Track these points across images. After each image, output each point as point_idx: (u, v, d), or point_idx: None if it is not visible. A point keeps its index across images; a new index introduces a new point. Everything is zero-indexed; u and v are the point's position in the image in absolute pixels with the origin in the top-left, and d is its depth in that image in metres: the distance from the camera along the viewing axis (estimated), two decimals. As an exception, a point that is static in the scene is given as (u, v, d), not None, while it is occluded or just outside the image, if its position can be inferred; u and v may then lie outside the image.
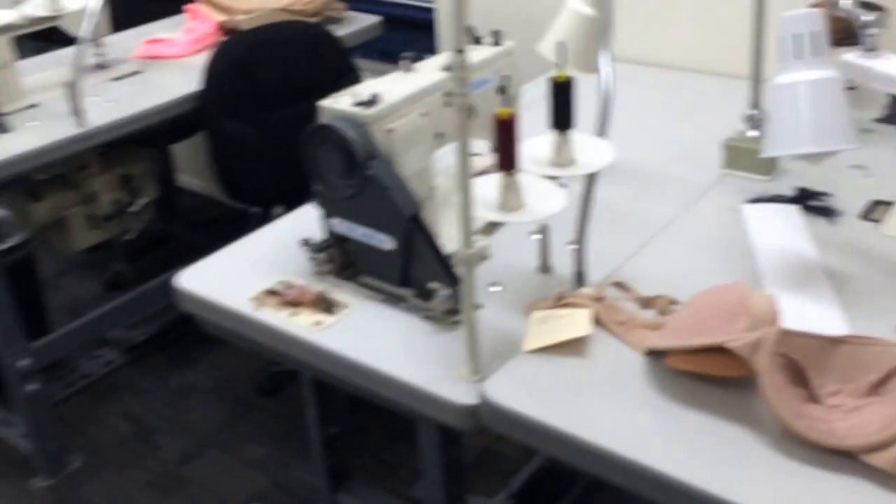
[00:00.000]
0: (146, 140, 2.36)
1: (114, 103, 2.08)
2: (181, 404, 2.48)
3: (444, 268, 1.18)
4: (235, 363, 2.62)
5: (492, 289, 1.25)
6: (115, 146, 2.13)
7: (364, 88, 1.24)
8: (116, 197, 2.18)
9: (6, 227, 2.35)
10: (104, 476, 2.23)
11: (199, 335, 2.68)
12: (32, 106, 2.04)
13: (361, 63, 2.47)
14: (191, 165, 3.54)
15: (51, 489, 2.20)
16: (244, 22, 2.38)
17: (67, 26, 2.14)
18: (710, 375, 0.99)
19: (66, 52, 2.32)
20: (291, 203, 2.10)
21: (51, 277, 2.98)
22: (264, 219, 2.47)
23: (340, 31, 2.45)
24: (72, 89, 1.93)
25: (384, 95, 1.22)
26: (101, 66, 2.29)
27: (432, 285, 1.19)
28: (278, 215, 1.58)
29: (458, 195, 0.98)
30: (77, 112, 1.93)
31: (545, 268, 1.28)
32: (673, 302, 1.15)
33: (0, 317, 2.00)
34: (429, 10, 2.60)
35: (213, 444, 2.33)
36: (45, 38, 2.29)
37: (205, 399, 2.50)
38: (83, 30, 1.92)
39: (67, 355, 2.58)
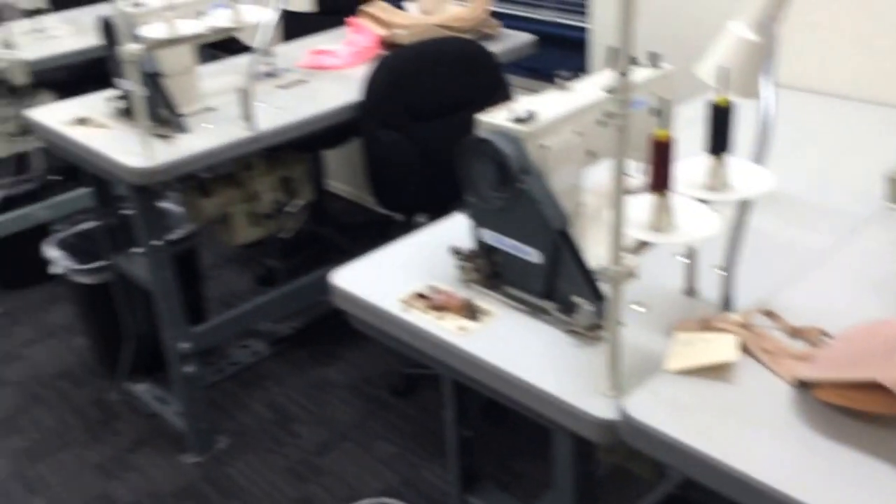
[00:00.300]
0: (303, 145, 2.50)
1: (280, 110, 2.21)
2: (320, 397, 2.59)
3: (590, 283, 1.20)
4: (371, 363, 2.72)
5: (635, 307, 1.26)
6: (277, 149, 2.27)
7: (521, 105, 1.28)
8: (276, 197, 2.32)
9: (177, 219, 2.55)
10: (247, 458, 2.37)
11: (339, 334, 2.81)
12: (208, 109, 2.20)
13: (512, 79, 2.52)
14: (340, 171, 3.70)
15: (199, 465, 2.35)
16: (403, 37, 2.48)
17: (243, 37, 2.29)
18: (862, 411, 0.97)
19: (240, 61, 2.49)
20: (435, 212, 2.17)
21: (209, 269, 3.18)
22: (407, 226, 2.57)
23: (494, 48, 2.51)
24: (244, 95, 2.07)
25: (540, 112, 1.26)
26: (270, 75, 2.43)
27: (576, 300, 1.22)
28: (421, 223, 1.64)
29: (609, 213, 1.00)
30: (248, 116, 2.07)
31: (691, 291, 1.28)
32: (824, 333, 1.13)
33: (167, 301, 2.16)
34: (581, 29, 2.63)
35: (348, 437, 2.43)
36: (219, 46, 2.46)
37: (341, 394, 2.60)
38: (258, 41, 2.06)
39: (220, 343, 2.75)
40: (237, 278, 3.21)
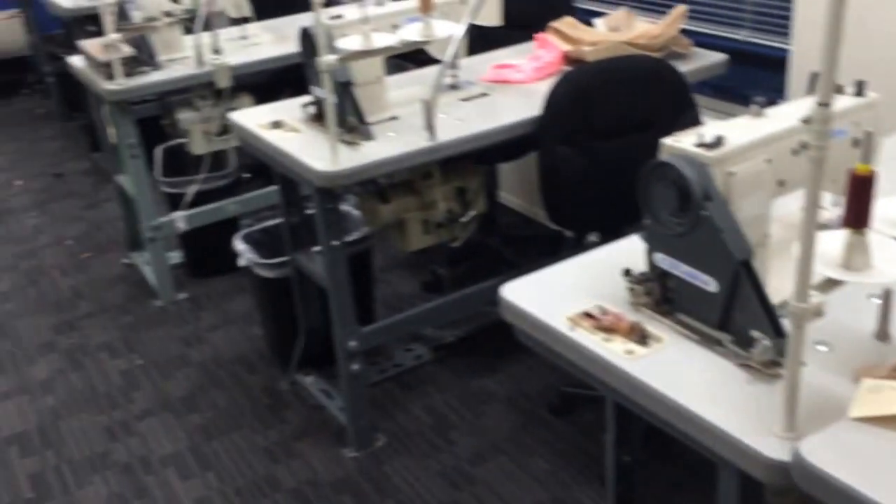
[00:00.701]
0: (481, 156, 2.54)
1: (461, 121, 2.26)
2: (477, 407, 2.62)
3: (770, 318, 1.15)
4: (531, 378, 2.72)
5: (818, 347, 1.20)
6: (455, 160, 2.33)
7: (709, 129, 1.25)
8: (451, 206, 2.37)
9: (354, 221, 2.66)
10: (403, 459, 2.43)
11: (500, 345, 2.83)
12: (393, 118, 2.28)
13: (701, 99, 2.45)
14: (513, 183, 3.72)
15: (357, 460, 2.44)
16: (589, 53, 2.47)
17: (431, 49, 2.36)
18: None
19: (426, 72, 2.57)
20: (607, 231, 2.15)
21: (378, 272, 3.30)
22: (577, 243, 2.55)
23: (684, 67, 2.44)
24: (427, 106, 2.13)
25: (729, 137, 1.22)
26: (453, 87, 2.49)
27: (754, 334, 1.17)
28: (592, 242, 1.63)
29: (798, 246, 0.96)
30: (430, 127, 2.13)
31: (883, 335, 1.20)
32: None
33: (340, 300, 2.26)
34: (780, 50, 2.51)
35: (502, 450, 2.44)
36: (406, 56, 2.54)
37: (499, 406, 2.62)
38: (447, 54, 2.12)
39: (386, 343, 2.84)
40: (404, 282, 3.30)
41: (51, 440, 2.61)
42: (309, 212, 2.42)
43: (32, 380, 2.91)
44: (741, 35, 2.78)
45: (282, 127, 2.27)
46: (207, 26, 2.94)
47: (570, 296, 1.40)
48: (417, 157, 2.12)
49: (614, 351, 1.25)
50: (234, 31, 3.25)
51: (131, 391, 2.82)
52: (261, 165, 3.46)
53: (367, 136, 2.14)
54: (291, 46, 3.19)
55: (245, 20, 3.26)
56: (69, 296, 3.42)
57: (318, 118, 2.24)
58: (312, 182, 2.06)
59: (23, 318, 3.28)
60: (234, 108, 3.05)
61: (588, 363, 1.28)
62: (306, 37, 2.14)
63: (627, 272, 1.37)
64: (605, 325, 1.32)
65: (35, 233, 3.98)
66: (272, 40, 3.27)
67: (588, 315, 1.34)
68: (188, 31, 3.11)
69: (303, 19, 3.56)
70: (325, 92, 2.00)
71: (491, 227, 3.34)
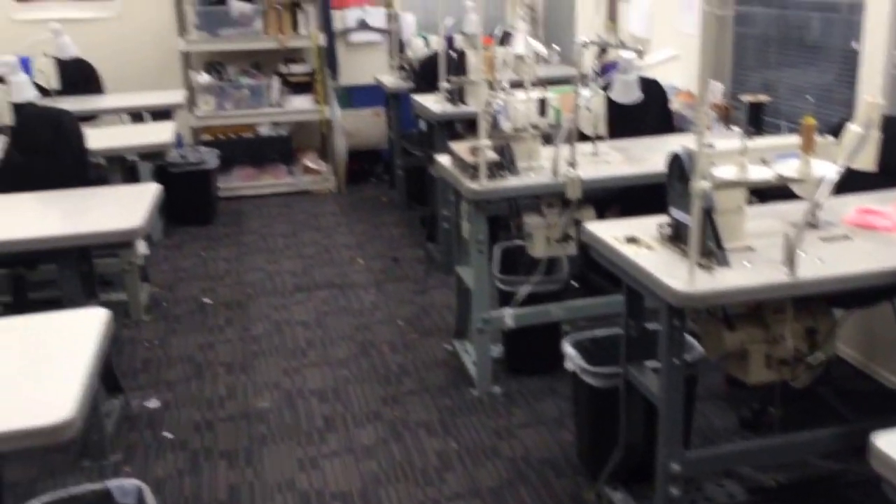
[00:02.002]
0: (833, 299, 2.43)
1: (821, 262, 2.19)
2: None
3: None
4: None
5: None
6: (808, 298, 2.25)
7: None
8: (798, 345, 2.28)
9: (688, 343, 2.64)
10: None
11: (832, 499, 2.60)
12: (749, 248, 2.27)
13: None
14: (850, 334, 3.48)
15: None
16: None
17: (794, 185, 2.34)
18: None
19: (783, 207, 2.54)
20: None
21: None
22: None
23: None
24: (789, 242, 2.09)
25: None
26: (812, 225, 2.42)
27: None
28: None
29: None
30: (790, 263, 2.09)
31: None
32: None
33: (671, 420, 2.24)
34: None
35: None
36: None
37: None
38: (818, 194, 2.09)
39: (704, 474, 2.74)
40: (720, 413, 3.19)
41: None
42: (649, 327, 2.45)
43: (358, 444, 3.16)
44: None
45: (637, 242, 2.35)
46: (566, 140, 3.14)
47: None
48: (775, 291, 2.09)
49: None
50: (588, 147, 3.43)
51: (445, 472, 2.97)
52: (584, 276, 3.56)
53: (724, 263, 2.15)
54: (638, 167, 3.33)
55: (599, 138, 3.44)
56: (396, 371, 3.71)
57: (674, 239, 2.29)
58: (666, 300, 2.09)
59: (355, 385, 3.60)
60: (578, 219, 3.22)
61: None
62: (676, 161, 2.22)
63: None
64: None
65: (371, 308, 4.38)
66: (621, 159, 3.41)
67: None
68: (546, 141, 3.35)
69: (649, 143, 3.70)
70: (686, 216, 2.05)
71: (823, 375, 3.14)
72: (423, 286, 4.63)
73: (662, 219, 2.38)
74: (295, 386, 3.58)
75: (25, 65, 4.52)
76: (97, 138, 3.89)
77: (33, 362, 1.89)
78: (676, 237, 2.28)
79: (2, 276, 3.71)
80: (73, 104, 4.62)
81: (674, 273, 2.11)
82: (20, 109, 3.87)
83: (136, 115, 5.30)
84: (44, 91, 4.69)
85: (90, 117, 5.08)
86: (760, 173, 2.10)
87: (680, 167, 2.19)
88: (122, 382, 3.42)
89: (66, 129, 3.64)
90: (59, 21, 5.25)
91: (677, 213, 2.26)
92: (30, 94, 4.04)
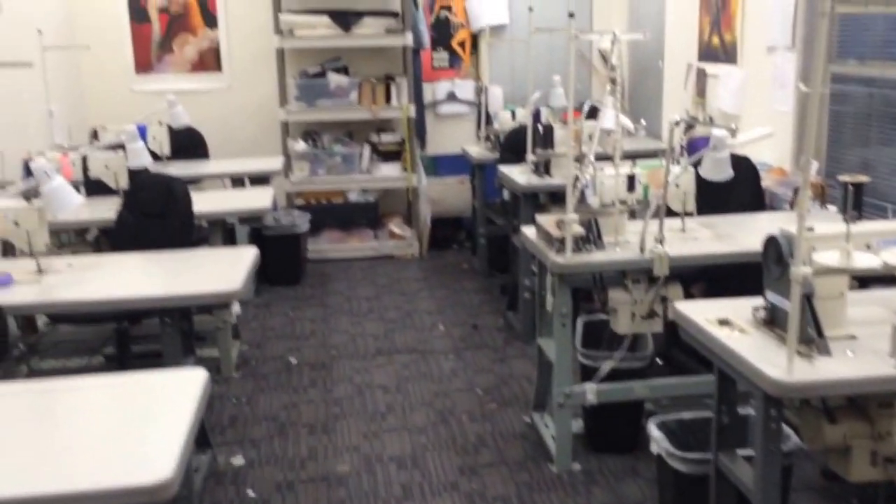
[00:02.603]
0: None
1: (927, 356, 2.11)
2: None
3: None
4: None
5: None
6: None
7: None
8: (904, 441, 2.18)
9: (787, 438, 2.55)
10: None
11: None
12: (851, 337, 2.20)
13: None
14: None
15: None
16: None
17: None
18: None
19: (890, 294, 2.47)
20: None
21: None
22: None
23: None
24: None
25: None
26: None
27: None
28: None
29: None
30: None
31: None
32: None
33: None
34: None
35: None
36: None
37: None
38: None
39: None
40: (814, 506, 3.06)
41: (446, 576, 2.78)
42: (741, 411, 2.39)
43: (435, 514, 3.14)
44: None
45: (730, 325, 2.30)
46: (654, 216, 3.12)
47: None
48: (881, 385, 2.02)
49: None
50: (676, 222, 3.41)
51: (522, 549, 2.91)
52: (674, 354, 3.48)
53: (825, 352, 2.08)
54: (727, 245, 3.29)
55: (687, 214, 3.42)
56: (474, 441, 3.68)
57: (770, 323, 2.24)
58: (763, 388, 2.04)
59: (433, 453, 3.59)
60: (664, 295, 3.18)
61: None
62: (773, 244, 2.18)
63: None
64: None
65: (451, 375, 4.37)
66: (710, 236, 3.37)
67: None
68: (632, 216, 3.34)
69: (739, 220, 3.65)
70: (784, 300, 2.00)
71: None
72: (502, 355, 4.61)
73: (756, 301, 2.34)
74: (374, 451, 3.59)
75: (142, 133, 4.78)
76: (201, 202, 4.06)
77: (135, 420, 1.95)
78: (772, 322, 2.23)
79: (108, 329, 3.86)
80: (180, 169, 4.88)
81: (771, 360, 2.06)
82: (135, 174, 4.09)
83: (237, 180, 5.54)
84: (155, 156, 4.95)
85: (195, 181, 5.31)
86: (866, 260, 2.05)
87: (777, 250, 2.15)
88: (210, 438, 3.48)
89: (177, 194, 3.81)
90: (174, 92, 5.59)
91: (774, 297, 2.22)
92: (145, 161, 4.25)
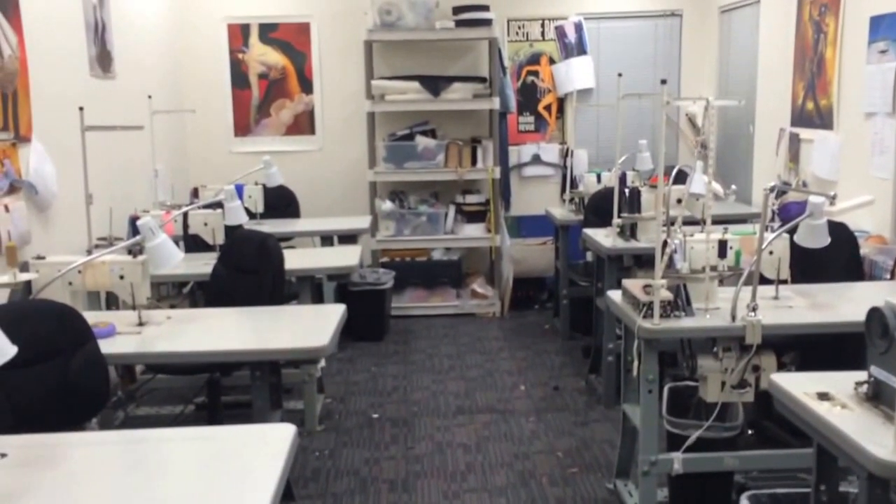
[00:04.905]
0: None
1: None
2: None
3: None
4: None
5: None
6: None
7: None
8: None
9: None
10: None
11: None
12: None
13: None
14: None
15: None
16: None
17: None
18: None
19: None
20: None
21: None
22: None
23: None
24: None
25: None
26: None
27: None
28: None
29: None
30: None
31: None
32: None
33: None
34: None
35: None
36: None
37: None
38: None
39: None
40: None
41: None
42: (843, 490, 2.29)
43: (516, 580, 3.09)
44: None
45: (830, 400, 2.23)
46: (747, 283, 3.06)
47: None
48: None
49: None
50: (769, 290, 3.33)
51: None
52: (766, 425, 3.36)
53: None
54: (824, 315, 3.19)
55: (782, 281, 3.34)
56: (555, 506, 3.62)
57: (874, 399, 2.16)
58: (867, 468, 1.96)
59: (514, 516, 3.55)
60: (757, 365, 3.10)
61: None
62: (878, 316, 2.12)
63: None
64: None
65: (531, 437, 4.33)
66: (805, 305, 3.28)
67: None
68: (720, 282, 3.28)
69: (836, 289, 3.55)
70: (890, 376, 1.93)
71: None
72: (583, 418, 4.54)
73: (858, 375, 2.26)
74: (454, 512, 3.57)
75: (239, 191, 4.99)
76: (292, 259, 4.18)
77: (226, 475, 1.99)
78: (877, 398, 2.15)
79: (201, 378, 3.97)
80: (273, 227, 5.06)
81: (876, 438, 1.98)
82: (231, 231, 4.25)
83: (326, 238, 5.71)
84: (250, 214, 5.15)
85: (286, 238, 5.48)
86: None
87: (883, 322, 2.09)
88: (294, 491, 3.52)
89: (270, 251, 3.93)
90: (269, 153, 5.83)
91: (878, 372, 2.14)
92: (242, 219, 4.42)
